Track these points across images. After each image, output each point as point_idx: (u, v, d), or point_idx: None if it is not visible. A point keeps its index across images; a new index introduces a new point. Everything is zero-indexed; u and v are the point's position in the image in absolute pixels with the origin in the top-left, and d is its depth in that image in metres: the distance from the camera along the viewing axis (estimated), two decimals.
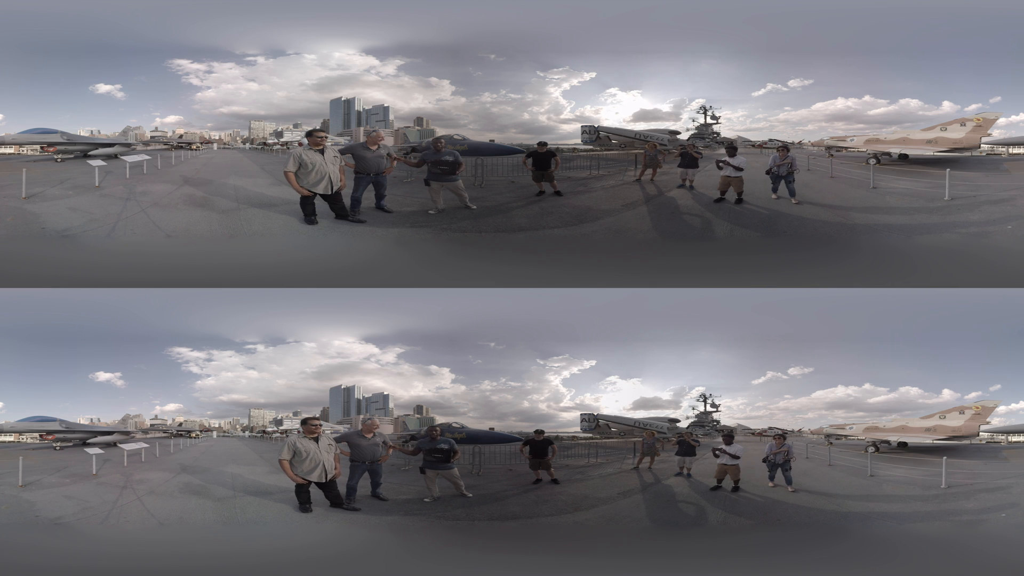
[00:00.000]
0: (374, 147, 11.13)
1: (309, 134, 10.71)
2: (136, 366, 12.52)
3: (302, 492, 10.08)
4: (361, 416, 12.49)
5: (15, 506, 10.52)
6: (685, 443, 12.09)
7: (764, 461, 11.51)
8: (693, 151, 12.40)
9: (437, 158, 11.50)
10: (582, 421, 12.92)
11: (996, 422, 12.64)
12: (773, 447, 11.50)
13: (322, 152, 10.66)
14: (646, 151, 12.71)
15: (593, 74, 12.70)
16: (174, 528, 9.98)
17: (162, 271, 9.98)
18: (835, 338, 12.16)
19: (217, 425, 13.36)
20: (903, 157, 13.14)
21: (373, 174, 11.19)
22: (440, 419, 12.44)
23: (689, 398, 12.68)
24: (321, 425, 10.12)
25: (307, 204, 10.82)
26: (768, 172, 12.01)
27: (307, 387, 12.60)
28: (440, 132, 12.62)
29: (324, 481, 10.06)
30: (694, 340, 12.26)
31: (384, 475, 10.70)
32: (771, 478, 11.44)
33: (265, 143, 13.37)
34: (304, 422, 10.03)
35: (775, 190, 11.95)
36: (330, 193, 10.82)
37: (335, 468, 10.12)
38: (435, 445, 10.75)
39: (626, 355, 12.50)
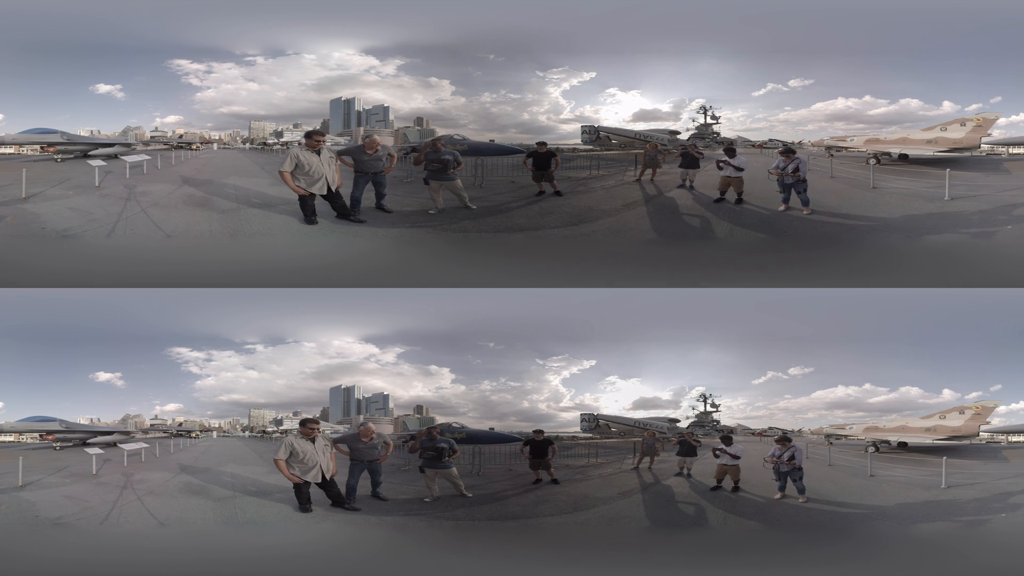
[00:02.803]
0: (371, 151, 11.14)
1: (308, 135, 10.72)
2: (136, 366, 12.52)
3: (302, 492, 10.09)
4: (361, 416, 12.48)
5: (15, 506, 10.52)
6: (686, 443, 12.08)
7: (771, 467, 10.99)
8: (694, 151, 12.39)
9: (432, 157, 11.51)
10: (582, 421, 12.91)
11: (996, 422, 12.63)
12: (777, 451, 11.00)
13: (318, 153, 10.67)
14: (646, 151, 12.70)
15: (593, 74, 12.69)
16: (174, 528, 9.98)
17: (162, 271, 9.98)
18: (835, 338, 12.14)
19: (217, 425, 13.34)
20: (903, 157, 13.12)
21: (372, 173, 11.21)
22: (440, 419, 12.43)
23: (689, 398, 12.66)
24: (319, 426, 10.14)
25: (307, 204, 10.84)
26: (777, 179, 11.59)
27: (307, 387, 12.60)
28: (440, 132, 12.62)
29: (322, 481, 10.07)
30: (694, 340, 12.24)
31: (384, 475, 10.71)
32: (781, 488, 10.97)
33: (265, 143, 13.36)
34: (303, 423, 10.03)
35: (786, 200, 11.55)
36: (327, 194, 10.83)
37: (332, 467, 10.13)
38: (430, 444, 10.75)
39: (626, 355, 12.49)
